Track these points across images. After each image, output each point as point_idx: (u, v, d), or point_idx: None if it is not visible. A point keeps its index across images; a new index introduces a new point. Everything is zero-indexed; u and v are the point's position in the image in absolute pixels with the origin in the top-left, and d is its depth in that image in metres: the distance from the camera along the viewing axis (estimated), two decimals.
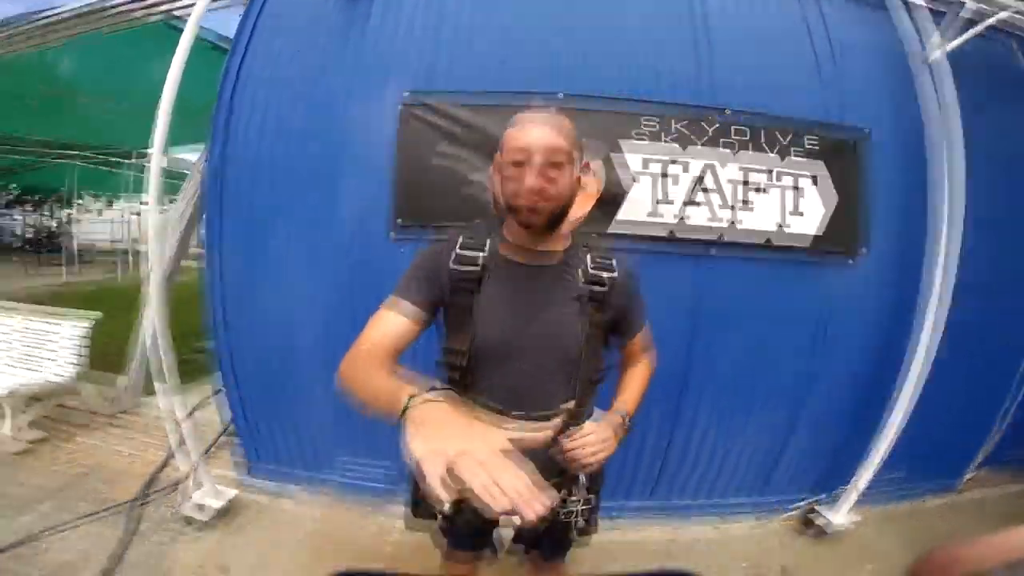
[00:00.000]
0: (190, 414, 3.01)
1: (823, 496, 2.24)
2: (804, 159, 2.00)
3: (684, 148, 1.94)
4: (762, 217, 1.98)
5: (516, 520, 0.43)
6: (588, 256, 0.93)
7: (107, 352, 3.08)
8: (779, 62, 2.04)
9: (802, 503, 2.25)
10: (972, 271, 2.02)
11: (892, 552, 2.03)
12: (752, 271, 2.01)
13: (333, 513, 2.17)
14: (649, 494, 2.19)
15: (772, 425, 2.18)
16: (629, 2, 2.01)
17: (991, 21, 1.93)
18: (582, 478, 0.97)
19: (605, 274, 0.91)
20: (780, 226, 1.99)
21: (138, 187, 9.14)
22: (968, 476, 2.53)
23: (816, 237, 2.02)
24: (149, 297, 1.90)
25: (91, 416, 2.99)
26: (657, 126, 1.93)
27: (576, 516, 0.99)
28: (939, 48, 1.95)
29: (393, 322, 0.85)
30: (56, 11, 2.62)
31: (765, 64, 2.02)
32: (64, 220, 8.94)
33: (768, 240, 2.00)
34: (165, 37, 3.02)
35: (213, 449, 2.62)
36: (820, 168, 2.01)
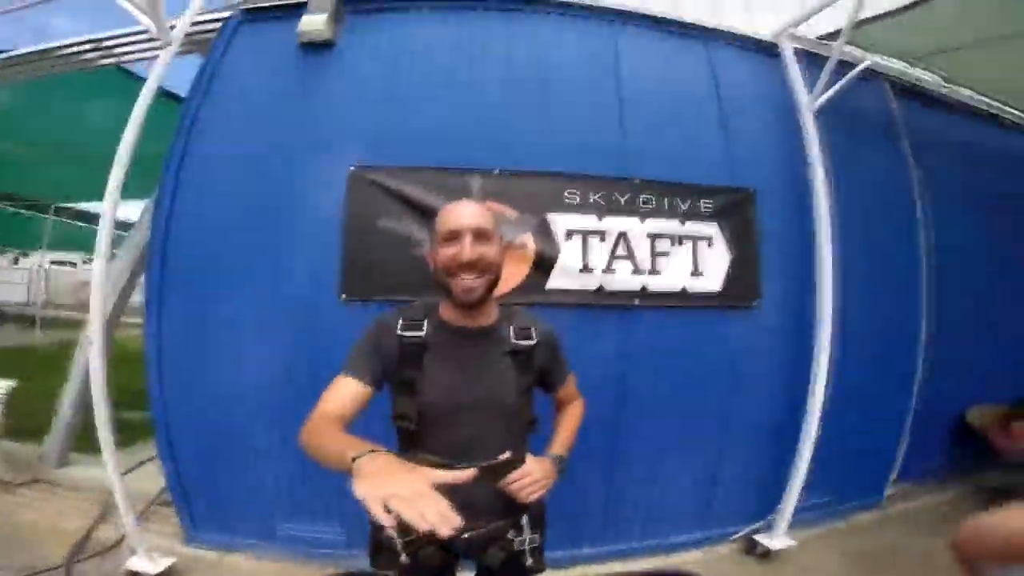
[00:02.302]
0: (124, 475, 2.78)
1: (760, 523, 2.35)
2: (702, 222, 2.28)
3: (600, 218, 2.20)
4: (671, 279, 2.24)
5: (443, 532, 0.56)
6: (513, 323, 1.09)
7: (24, 415, 2.86)
8: (680, 133, 2.36)
9: (742, 531, 2.35)
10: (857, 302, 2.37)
11: (833, 567, 2.20)
12: (671, 321, 2.24)
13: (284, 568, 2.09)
14: (599, 539, 2.24)
15: (703, 461, 2.34)
16: (554, 89, 2.30)
17: (854, 73, 2.28)
18: (525, 519, 1.07)
19: (529, 330, 1.09)
20: (684, 289, 2.25)
21: (56, 243, 8.66)
22: (889, 491, 2.74)
23: (719, 293, 2.27)
24: (88, 353, 1.81)
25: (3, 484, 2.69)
26: (578, 198, 2.19)
27: (524, 556, 1.07)
28: (816, 99, 2.29)
29: (345, 393, 0.97)
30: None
31: (668, 135, 2.34)
32: None
33: (684, 289, 2.24)
34: (87, 82, 3.01)
35: (148, 515, 2.43)
36: (716, 229, 2.29)
